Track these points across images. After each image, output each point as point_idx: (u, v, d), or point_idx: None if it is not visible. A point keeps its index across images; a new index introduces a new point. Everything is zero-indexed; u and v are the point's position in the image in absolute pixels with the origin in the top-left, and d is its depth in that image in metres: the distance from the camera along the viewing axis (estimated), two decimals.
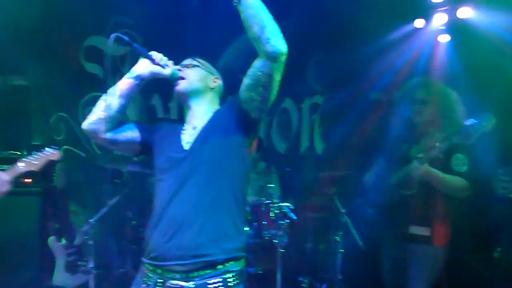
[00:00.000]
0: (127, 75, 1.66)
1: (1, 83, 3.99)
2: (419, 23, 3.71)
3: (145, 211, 3.40)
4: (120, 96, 1.62)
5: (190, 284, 1.49)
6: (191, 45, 3.65)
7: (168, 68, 1.64)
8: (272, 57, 1.47)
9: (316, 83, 4.18)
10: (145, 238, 1.62)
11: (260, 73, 1.51)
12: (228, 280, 1.52)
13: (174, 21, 3.72)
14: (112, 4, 3.77)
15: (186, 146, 1.63)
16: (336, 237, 3.11)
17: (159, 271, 1.54)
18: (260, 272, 3.11)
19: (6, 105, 3.80)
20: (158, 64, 1.63)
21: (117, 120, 1.65)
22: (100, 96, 1.62)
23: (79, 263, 3.32)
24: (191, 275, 1.50)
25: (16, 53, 3.74)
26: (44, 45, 3.83)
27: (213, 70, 1.79)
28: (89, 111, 1.64)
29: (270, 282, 3.03)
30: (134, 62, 1.65)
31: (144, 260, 1.60)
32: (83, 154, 3.93)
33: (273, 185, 3.27)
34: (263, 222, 3.07)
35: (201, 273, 1.50)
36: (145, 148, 1.72)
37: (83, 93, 3.91)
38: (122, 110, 1.64)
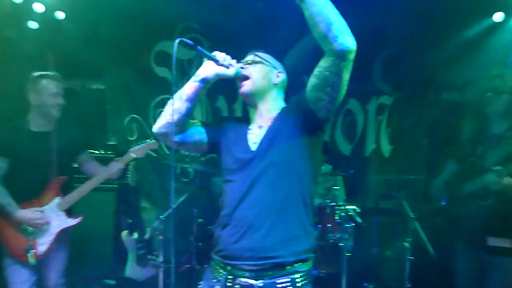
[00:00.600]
0: (193, 78, 1.68)
1: (81, 87, 4.33)
2: (497, 16, 3.45)
3: (211, 209, 3.50)
4: (187, 100, 1.65)
5: (259, 282, 1.51)
6: (256, 47, 3.70)
7: (232, 67, 1.65)
8: (341, 56, 1.42)
9: (383, 83, 4.03)
10: (214, 236, 1.66)
11: (328, 72, 1.48)
12: (297, 280, 1.53)
13: (239, 24, 3.78)
14: (181, 10, 3.92)
15: (253, 146, 1.64)
16: (405, 243, 2.98)
17: (228, 268, 1.57)
18: (322, 274, 3.06)
19: (85, 107, 4.11)
20: (222, 65, 1.64)
21: (185, 123, 1.69)
22: (169, 98, 1.68)
23: (148, 257, 3.49)
24: (260, 274, 1.52)
25: (94, 59, 4.05)
26: (119, 51, 4.10)
27: (276, 63, 1.78)
28: (159, 113, 1.71)
29: (334, 285, 2.97)
30: (200, 65, 1.70)
31: (214, 256, 1.65)
32: (153, 154, 4.13)
33: (338, 188, 3.20)
34: (327, 225, 3.02)
35: (270, 273, 1.52)
36: (213, 148, 1.76)
37: (154, 96, 4.11)
38: (189, 113, 1.67)
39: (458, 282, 2.60)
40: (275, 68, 1.76)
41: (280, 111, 1.70)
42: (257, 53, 1.77)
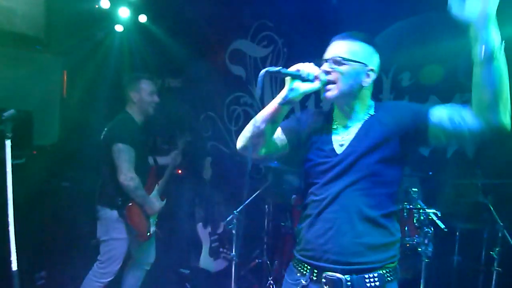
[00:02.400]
0: (276, 101, 1.53)
1: (161, 85, 4.58)
2: None
3: (282, 207, 3.51)
4: (272, 122, 1.54)
5: (347, 277, 1.50)
6: (328, 45, 3.62)
7: (317, 80, 1.52)
8: (491, 128, 1.33)
9: (468, 78, 3.74)
10: (299, 234, 1.65)
11: (466, 129, 1.38)
12: (385, 275, 1.51)
13: (313, 20, 3.73)
14: (254, 9, 3.97)
15: (339, 149, 1.58)
16: (492, 253, 2.74)
17: (315, 264, 1.57)
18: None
19: (163, 105, 4.33)
20: (307, 80, 1.51)
21: (268, 142, 1.60)
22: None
23: (220, 250, 3.59)
24: (347, 271, 1.51)
25: (172, 59, 4.25)
26: (196, 50, 4.26)
27: (368, 57, 1.57)
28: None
29: None
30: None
31: (298, 254, 1.64)
32: (226, 150, 4.25)
33: (416, 190, 3.04)
34: (404, 228, 2.88)
35: (357, 272, 1.51)
36: (295, 150, 1.69)
37: (228, 94, 4.22)
38: (273, 133, 1.59)
39: None
40: (366, 65, 1.56)
41: (371, 114, 1.60)
42: (345, 49, 1.56)
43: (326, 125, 1.66)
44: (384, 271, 1.51)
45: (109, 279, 2.84)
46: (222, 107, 4.23)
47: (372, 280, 1.49)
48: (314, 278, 1.54)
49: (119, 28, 4.05)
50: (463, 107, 1.42)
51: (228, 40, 4.19)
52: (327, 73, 1.55)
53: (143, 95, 2.88)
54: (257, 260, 3.56)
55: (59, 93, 4.00)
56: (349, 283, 1.49)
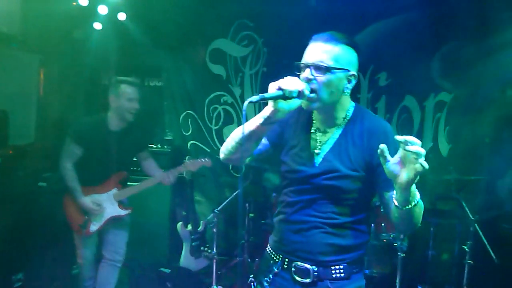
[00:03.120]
0: (259, 121, 1.49)
1: (140, 84, 4.54)
2: None
3: (263, 205, 3.54)
4: (255, 139, 1.56)
5: (314, 267, 1.59)
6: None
7: (300, 97, 1.45)
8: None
9: (443, 79, 3.87)
10: (275, 225, 1.74)
11: (391, 217, 1.50)
12: (351, 266, 1.60)
13: (293, 19, 3.78)
14: (235, 9, 3.99)
15: (315, 159, 1.59)
16: (464, 247, 2.86)
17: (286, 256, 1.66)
18: (375, 275, 3.01)
19: (143, 104, 4.30)
20: (291, 97, 1.43)
21: (251, 153, 1.63)
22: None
23: (201, 248, 3.60)
24: (315, 264, 1.61)
25: (152, 58, 4.23)
26: (176, 49, 4.25)
27: (351, 61, 1.53)
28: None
29: (388, 287, 2.91)
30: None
31: (272, 244, 1.73)
32: (207, 149, 4.26)
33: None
34: (381, 224, 2.97)
35: (324, 265, 1.60)
36: (277, 151, 1.71)
37: (208, 93, 4.22)
38: (256, 146, 1.61)
39: None
40: (348, 70, 1.52)
41: (348, 120, 1.60)
42: (328, 54, 1.49)
43: (305, 127, 1.66)
44: (351, 264, 1.60)
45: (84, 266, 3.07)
46: (202, 106, 4.23)
47: (338, 271, 1.59)
48: (285, 267, 1.65)
49: (97, 26, 4.00)
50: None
51: (208, 39, 4.19)
52: (308, 80, 1.49)
53: (122, 100, 2.90)
54: (238, 258, 3.59)
55: (36, 92, 3.91)
56: (316, 273, 1.58)
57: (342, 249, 1.59)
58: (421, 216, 1.43)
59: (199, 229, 3.66)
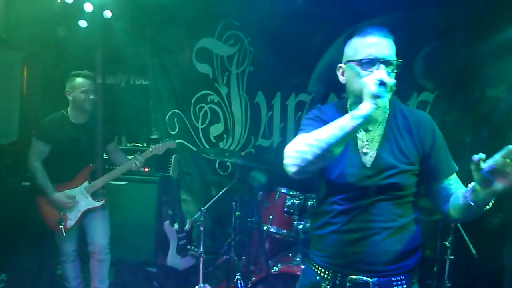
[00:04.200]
0: (354, 122, 1.32)
1: (126, 83, 4.52)
2: None
3: (249, 203, 3.56)
4: (345, 143, 1.39)
5: (374, 279, 1.51)
6: (295, 44, 3.72)
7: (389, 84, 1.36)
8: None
9: (425, 79, 3.94)
10: (318, 241, 1.63)
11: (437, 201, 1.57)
12: (412, 277, 1.55)
13: (279, 19, 3.81)
14: (221, 8, 4.00)
15: (366, 159, 1.53)
16: (445, 243, 2.93)
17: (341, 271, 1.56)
18: None
19: (129, 102, 4.29)
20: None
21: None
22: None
23: (188, 247, 3.61)
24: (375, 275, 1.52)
25: (139, 56, 4.21)
26: (162, 48, 4.24)
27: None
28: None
29: None
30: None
31: (319, 260, 1.62)
32: (193, 148, 4.26)
33: None
34: None
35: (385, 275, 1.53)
36: None
37: (195, 92, 4.22)
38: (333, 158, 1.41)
39: (504, 282, 2.52)
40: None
41: (388, 115, 1.55)
42: (393, 50, 1.49)
43: None
44: (410, 274, 1.54)
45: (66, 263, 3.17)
46: (189, 105, 4.23)
47: (399, 282, 1.51)
48: (338, 282, 1.54)
49: (82, 23, 3.96)
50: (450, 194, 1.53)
51: (195, 38, 4.20)
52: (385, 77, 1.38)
53: (76, 93, 3.03)
54: (224, 257, 3.60)
55: (19, 90, 3.86)
56: (376, 286, 1.50)
57: (403, 255, 1.52)
58: None
59: (185, 227, 3.66)
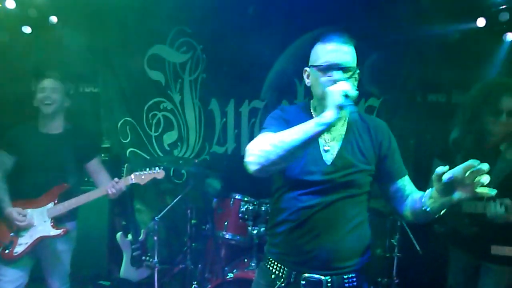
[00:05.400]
0: (318, 128, 1.38)
1: (74, 90, 4.37)
2: (481, 22, 3.57)
3: (204, 210, 3.56)
4: (307, 146, 1.42)
5: (327, 277, 1.54)
6: (248, 51, 3.77)
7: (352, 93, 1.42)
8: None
9: (371, 85, 4.13)
10: (274, 237, 1.65)
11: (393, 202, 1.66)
12: (362, 275, 1.61)
13: (231, 27, 3.86)
14: (173, 15, 3.98)
15: (327, 157, 1.57)
16: (393, 241, 3.08)
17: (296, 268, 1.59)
18: None
19: (79, 110, 4.15)
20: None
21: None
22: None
23: (143, 258, 3.54)
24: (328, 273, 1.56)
25: (87, 63, 4.09)
26: (112, 55, 4.15)
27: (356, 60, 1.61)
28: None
29: None
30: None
31: (274, 258, 1.64)
32: (147, 156, 4.19)
33: None
34: None
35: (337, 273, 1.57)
36: None
37: (147, 99, 4.16)
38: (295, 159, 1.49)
39: (449, 283, 2.67)
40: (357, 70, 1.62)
41: (357, 121, 1.57)
42: (352, 56, 1.57)
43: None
44: (361, 271, 1.60)
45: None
46: (141, 113, 4.16)
47: (350, 280, 1.56)
48: (292, 280, 1.56)
49: (26, 29, 3.80)
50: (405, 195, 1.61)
51: (146, 45, 4.15)
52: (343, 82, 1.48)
53: (37, 94, 2.69)
54: (180, 265, 3.57)
55: None
56: (329, 284, 1.53)
57: (357, 253, 1.57)
58: None
59: (140, 238, 3.59)
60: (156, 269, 3.27)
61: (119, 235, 3.55)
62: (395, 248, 3.08)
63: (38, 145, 2.68)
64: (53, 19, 3.82)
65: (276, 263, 1.62)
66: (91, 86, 4.37)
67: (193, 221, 3.49)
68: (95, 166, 2.89)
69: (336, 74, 1.52)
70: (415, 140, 4.01)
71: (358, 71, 1.59)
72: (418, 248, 2.93)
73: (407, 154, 4.04)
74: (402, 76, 4.03)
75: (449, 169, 1.29)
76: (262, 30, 3.82)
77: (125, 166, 3.46)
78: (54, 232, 2.70)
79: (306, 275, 1.55)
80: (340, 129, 1.63)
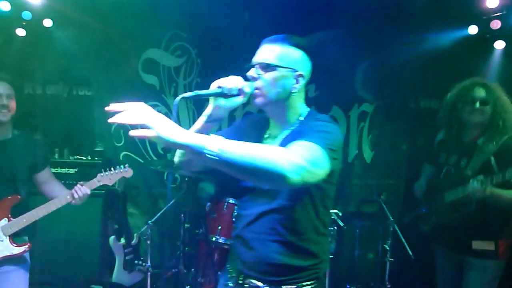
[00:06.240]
0: (202, 119, 1.52)
1: (68, 93, 4.36)
2: (472, 29, 3.62)
3: (197, 214, 3.56)
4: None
5: (266, 285, 1.53)
6: (242, 55, 3.79)
7: (243, 92, 1.46)
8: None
9: (365, 91, 4.18)
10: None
11: None
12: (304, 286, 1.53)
13: (226, 31, 3.87)
14: (168, 19, 3.99)
15: None
16: (385, 246, 3.10)
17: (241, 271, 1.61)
18: None
19: (73, 113, 4.14)
20: (231, 95, 1.45)
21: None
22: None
23: (136, 262, 3.52)
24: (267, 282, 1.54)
25: (82, 66, 4.09)
26: (107, 58, 4.14)
27: (298, 61, 1.51)
28: None
29: None
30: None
31: (229, 258, 1.69)
32: (140, 160, 4.18)
33: None
34: None
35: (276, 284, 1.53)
36: None
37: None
38: None
39: (437, 282, 2.70)
40: (294, 70, 1.50)
41: (299, 123, 1.53)
42: (273, 53, 1.49)
43: (259, 134, 1.62)
44: (305, 284, 1.52)
45: None
46: None
47: None
48: (240, 282, 1.58)
49: (21, 32, 3.79)
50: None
51: (141, 49, 4.15)
52: (254, 79, 1.50)
53: None
54: (173, 270, 3.55)
55: None
56: None
57: (291, 269, 1.51)
58: None
59: (132, 242, 3.58)
60: (149, 273, 3.26)
61: (111, 239, 3.53)
62: (388, 253, 3.10)
63: None
64: (48, 22, 3.81)
65: (231, 265, 1.67)
66: (85, 89, 4.35)
67: (186, 225, 3.49)
68: (44, 177, 2.55)
69: (250, 71, 1.52)
70: (407, 146, 4.06)
71: (286, 69, 1.49)
72: (410, 253, 2.95)
73: (400, 158, 4.09)
74: (395, 82, 4.07)
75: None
76: (258, 33, 3.83)
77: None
78: (17, 250, 2.34)
79: (251, 280, 1.55)
80: (284, 133, 1.54)
